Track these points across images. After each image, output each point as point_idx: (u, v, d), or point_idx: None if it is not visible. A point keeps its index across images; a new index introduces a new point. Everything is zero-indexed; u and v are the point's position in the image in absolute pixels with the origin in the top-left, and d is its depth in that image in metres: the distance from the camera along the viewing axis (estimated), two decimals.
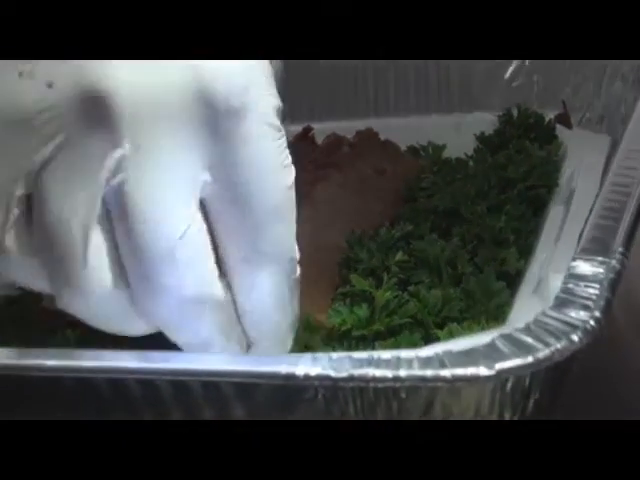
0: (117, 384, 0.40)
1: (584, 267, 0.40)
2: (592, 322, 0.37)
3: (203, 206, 0.41)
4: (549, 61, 0.66)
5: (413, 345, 0.43)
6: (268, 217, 0.41)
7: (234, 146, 0.40)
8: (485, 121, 0.66)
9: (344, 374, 0.36)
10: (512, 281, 0.48)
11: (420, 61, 0.69)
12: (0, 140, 0.40)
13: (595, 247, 0.41)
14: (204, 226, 0.41)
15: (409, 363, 0.37)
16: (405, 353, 0.38)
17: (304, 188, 0.57)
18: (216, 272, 0.42)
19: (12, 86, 0.39)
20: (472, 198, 0.55)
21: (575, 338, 0.36)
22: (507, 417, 0.38)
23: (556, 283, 0.41)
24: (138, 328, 0.43)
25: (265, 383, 0.37)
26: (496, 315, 0.46)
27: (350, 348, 0.45)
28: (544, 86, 0.67)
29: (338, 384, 0.36)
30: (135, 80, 0.39)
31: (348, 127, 0.66)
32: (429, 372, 0.36)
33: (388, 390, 0.37)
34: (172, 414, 0.40)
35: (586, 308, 0.37)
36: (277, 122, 0.41)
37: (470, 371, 0.35)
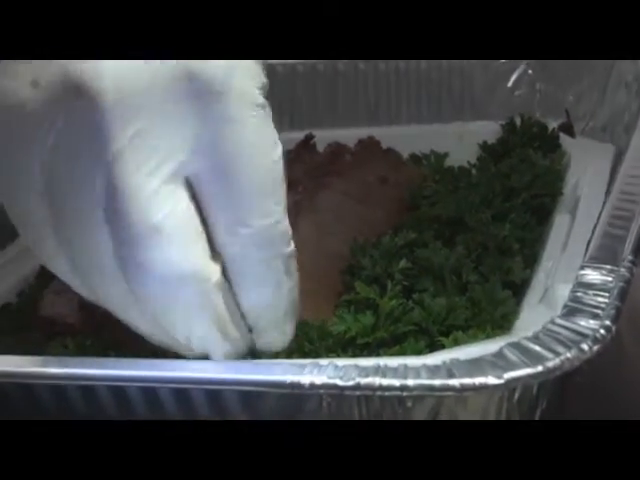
0: (118, 392, 0.39)
1: (593, 275, 0.39)
2: (602, 331, 0.36)
3: (191, 186, 0.41)
4: (552, 69, 0.66)
5: (418, 353, 0.43)
6: (255, 192, 0.41)
7: (219, 125, 0.40)
8: (488, 130, 0.65)
9: (351, 383, 0.36)
10: (517, 290, 0.48)
11: (422, 69, 0.69)
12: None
13: (604, 255, 0.41)
14: (192, 206, 0.41)
15: (416, 371, 0.36)
16: (412, 361, 0.37)
17: (306, 196, 0.57)
18: (207, 254, 0.41)
19: None
20: (476, 206, 0.54)
21: (585, 347, 0.36)
22: None
23: (564, 292, 0.40)
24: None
25: (270, 392, 0.37)
26: (501, 324, 0.45)
27: (354, 355, 0.44)
28: (547, 95, 0.66)
29: (344, 392, 0.36)
30: (120, 66, 0.40)
31: (350, 135, 0.66)
32: (437, 381, 0.35)
33: (394, 399, 0.36)
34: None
35: (596, 317, 0.37)
36: (261, 100, 0.41)
37: (479, 380, 0.35)
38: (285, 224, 0.42)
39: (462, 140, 0.66)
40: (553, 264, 0.47)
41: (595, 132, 0.62)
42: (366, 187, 0.59)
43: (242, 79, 0.41)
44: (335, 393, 0.36)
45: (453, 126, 0.68)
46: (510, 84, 0.68)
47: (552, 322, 0.38)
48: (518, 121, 0.65)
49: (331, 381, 0.36)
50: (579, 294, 0.39)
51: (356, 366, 0.37)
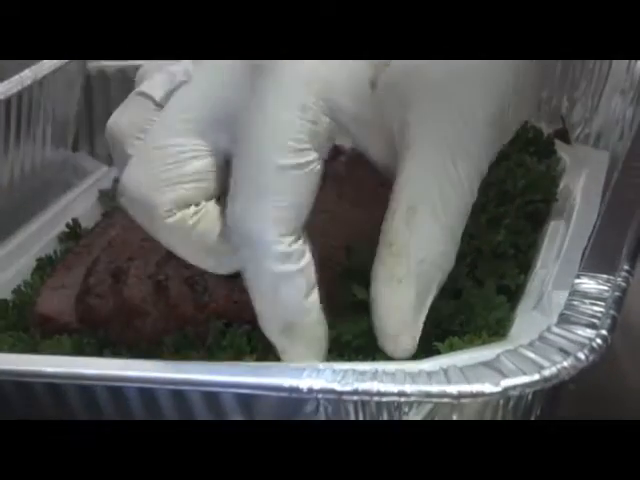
0: (116, 392, 0.39)
1: (589, 284, 0.40)
2: (599, 340, 0.36)
3: None
4: (548, 75, 0.66)
5: (413, 357, 0.43)
6: (244, 190, 0.42)
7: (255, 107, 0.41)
8: None
9: (348, 387, 0.36)
10: (512, 295, 0.48)
11: None
12: None
13: (600, 264, 0.41)
14: None
15: (413, 377, 0.36)
16: (409, 366, 0.38)
17: None
18: None
19: None
20: (471, 211, 0.54)
21: (582, 356, 0.36)
22: None
23: (560, 299, 0.40)
24: None
25: (268, 395, 0.37)
26: (496, 329, 0.45)
27: (350, 359, 0.44)
28: (542, 101, 0.66)
29: (342, 397, 0.36)
30: None
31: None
32: (434, 388, 0.35)
33: (391, 404, 0.36)
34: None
35: (592, 326, 0.37)
36: (308, 102, 0.41)
37: (475, 388, 0.35)
38: (271, 235, 0.42)
39: None
40: (548, 271, 0.47)
41: (590, 138, 0.62)
42: (361, 190, 0.59)
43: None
44: (333, 398, 0.36)
45: None
46: None
47: (549, 330, 0.38)
48: None
49: (329, 386, 0.36)
50: (575, 302, 0.39)
51: (354, 371, 0.37)
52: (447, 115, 0.42)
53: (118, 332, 0.49)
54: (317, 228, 0.55)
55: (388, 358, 0.43)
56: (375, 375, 0.36)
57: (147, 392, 0.39)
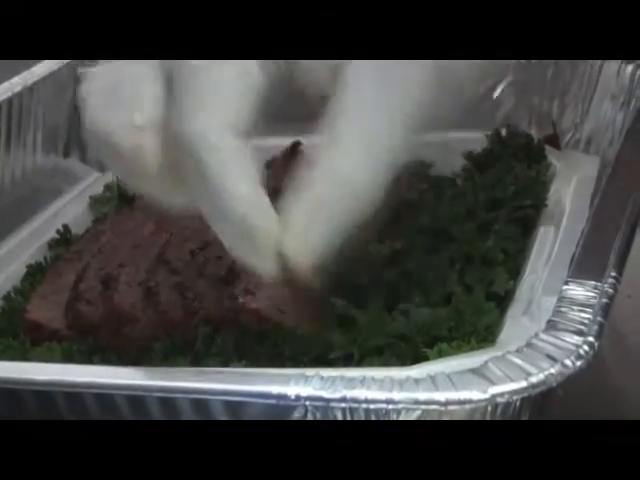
0: (105, 399, 0.39)
1: (577, 291, 0.40)
2: (586, 347, 0.36)
3: None
4: (538, 81, 0.66)
5: (401, 364, 0.43)
6: (187, 96, 0.43)
7: None
8: (473, 140, 0.65)
9: (337, 395, 0.36)
10: (501, 301, 0.48)
11: None
12: None
13: (587, 270, 0.41)
14: None
15: (401, 384, 0.36)
16: (397, 373, 0.38)
17: None
18: None
19: None
20: (461, 217, 0.54)
21: (569, 363, 0.36)
22: None
23: (548, 305, 0.41)
24: None
25: (256, 402, 0.37)
26: (485, 335, 0.45)
27: (337, 365, 0.44)
28: (533, 106, 0.66)
29: (330, 404, 0.36)
30: None
31: None
32: (422, 395, 0.35)
33: (379, 411, 0.36)
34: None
35: (579, 333, 0.37)
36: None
37: (463, 395, 0.35)
38: None
39: (447, 150, 0.66)
40: (537, 277, 0.47)
41: (581, 144, 0.62)
42: None
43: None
44: (321, 405, 0.36)
45: (438, 135, 0.68)
46: (496, 94, 0.68)
47: (536, 337, 0.38)
48: (504, 132, 0.65)
49: (317, 393, 0.36)
50: (563, 309, 0.39)
51: (342, 377, 0.37)
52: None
53: (108, 338, 0.49)
54: None
55: (375, 365, 0.44)
56: (363, 382, 0.36)
57: (136, 399, 0.39)
